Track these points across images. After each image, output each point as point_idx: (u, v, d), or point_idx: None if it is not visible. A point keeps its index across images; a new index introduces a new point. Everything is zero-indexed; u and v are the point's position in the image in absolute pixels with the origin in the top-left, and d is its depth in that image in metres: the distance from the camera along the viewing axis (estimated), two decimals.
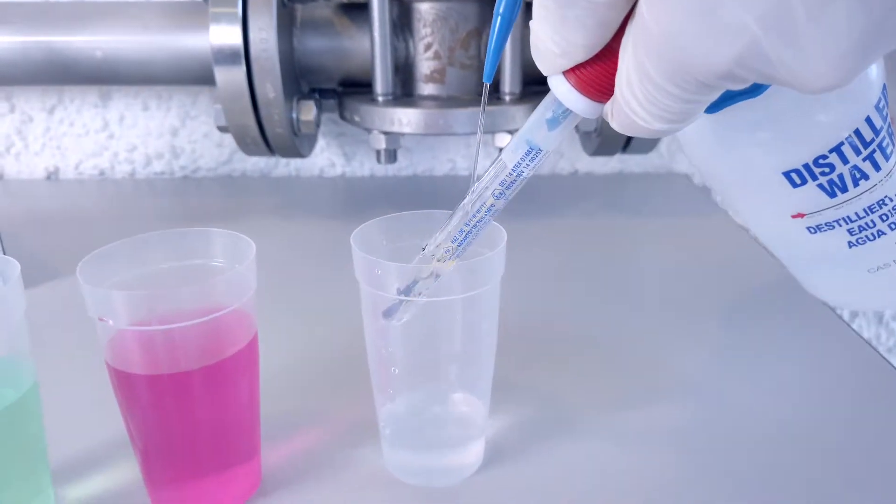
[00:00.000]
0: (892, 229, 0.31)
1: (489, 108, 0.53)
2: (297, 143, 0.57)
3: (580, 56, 0.21)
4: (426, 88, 0.56)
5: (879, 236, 0.31)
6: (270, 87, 0.52)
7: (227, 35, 0.52)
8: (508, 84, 0.55)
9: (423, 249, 0.27)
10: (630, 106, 0.20)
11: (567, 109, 0.23)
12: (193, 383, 0.26)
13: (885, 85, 0.29)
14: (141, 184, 0.70)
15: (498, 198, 0.25)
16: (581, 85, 0.22)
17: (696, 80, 0.18)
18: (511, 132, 0.55)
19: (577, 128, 0.57)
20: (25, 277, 0.46)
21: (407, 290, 0.27)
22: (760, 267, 0.50)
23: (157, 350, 0.26)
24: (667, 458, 0.32)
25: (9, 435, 0.26)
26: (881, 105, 0.29)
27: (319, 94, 0.62)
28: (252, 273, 0.28)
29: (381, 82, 0.54)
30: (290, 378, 0.38)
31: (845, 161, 0.29)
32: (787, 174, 0.30)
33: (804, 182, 0.30)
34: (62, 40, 0.56)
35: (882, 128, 0.29)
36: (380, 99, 0.55)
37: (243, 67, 0.52)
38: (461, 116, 0.53)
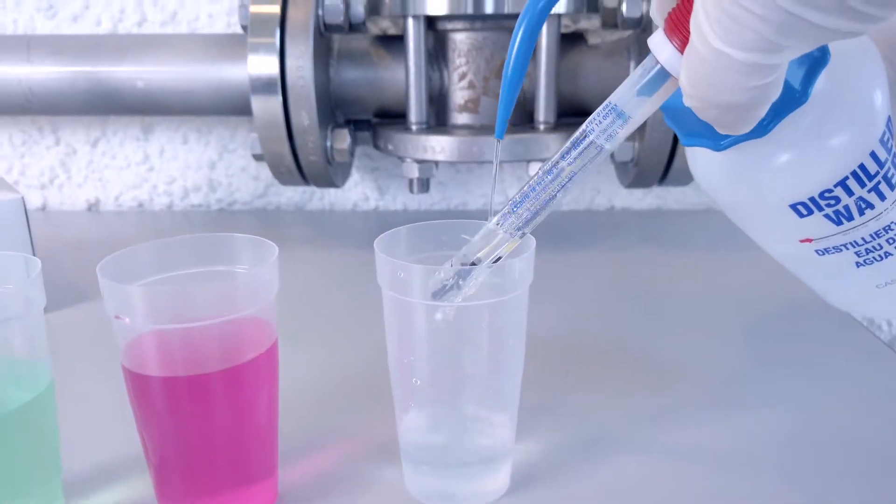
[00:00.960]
0: None
1: (523, 136, 0.53)
2: (330, 172, 0.57)
3: None
4: (460, 118, 0.56)
5: (886, 257, 0.31)
6: (305, 116, 0.53)
7: (264, 65, 0.53)
8: (543, 113, 0.54)
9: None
10: (700, 26, 0.19)
11: (660, 70, 0.22)
12: (211, 386, 0.25)
13: (889, 117, 0.29)
14: (178, 216, 0.71)
15: (565, 159, 0.25)
16: (674, 28, 0.21)
17: None
18: (545, 161, 0.54)
19: (612, 157, 0.56)
20: (57, 300, 0.46)
21: (464, 273, 0.26)
22: (797, 293, 0.48)
23: (174, 350, 0.25)
24: (703, 479, 0.30)
25: (22, 436, 0.25)
26: (885, 138, 0.28)
27: (354, 125, 0.62)
28: (274, 276, 0.27)
29: (416, 111, 0.54)
30: (311, 395, 0.37)
31: (850, 193, 0.29)
32: (793, 206, 0.29)
33: (810, 213, 0.29)
34: (106, 71, 0.58)
35: (887, 160, 0.29)
36: (413, 127, 0.55)
37: (279, 96, 0.53)
38: (494, 144, 0.52)
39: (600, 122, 0.24)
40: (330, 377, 0.39)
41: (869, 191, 0.28)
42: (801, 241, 0.31)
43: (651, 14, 0.24)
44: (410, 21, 0.52)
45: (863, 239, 0.30)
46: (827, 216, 0.29)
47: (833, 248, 0.31)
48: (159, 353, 0.25)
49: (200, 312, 0.25)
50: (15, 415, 0.25)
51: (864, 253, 0.31)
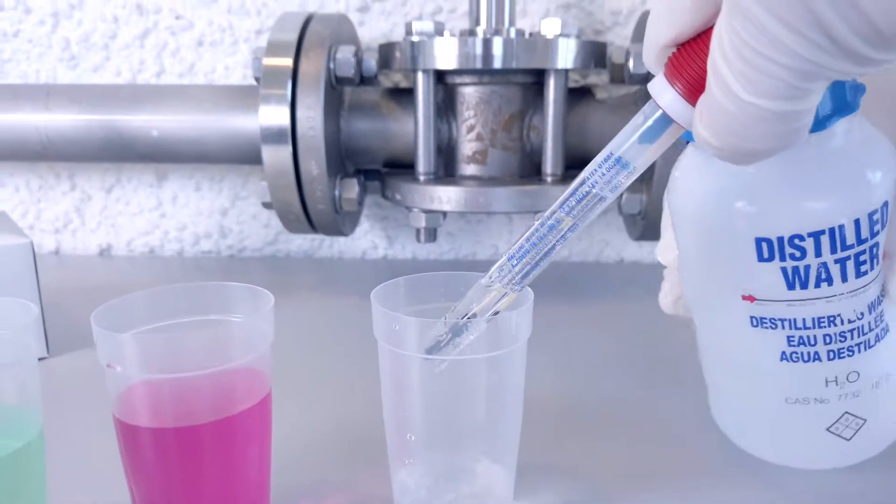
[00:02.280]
0: (829, 358, 0.29)
1: (530, 189, 0.53)
2: (338, 221, 0.58)
3: (686, 18, 0.20)
4: (468, 169, 0.57)
5: (814, 360, 0.29)
6: (314, 165, 0.53)
7: (275, 115, 0.53)
8: (550, 165, 0.54)
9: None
10: (722, 77, 0.18)
11: (662, 116, 0.22)
12: (201, 439, 0.25)
13: (887, 202, 0.28)
14: (188, 262, 0.72)
15: (567, 213, 0.24)
16: (675, 73, 0.21)
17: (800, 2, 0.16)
18: None
19: (619, 208, 0.56)
20: (61, 345, 0.46)
21: (457, 329, 0.25)
22: None
23: (164, 401, 0.25)
24: None
25: (8, 484, 0.25)
26: (875, 218, 0.27)
27: (365, 175, 0.62)
28: (269, 326, 0.27)
29: (424, 162, 0.55)
30: (306, 447, 0.36)
31: (818, 253, 0.27)
32: (759, 240, 0.28)
33: (771, 258, 0.28)
34: (122, 119, 0.59)
35: (867, 240, 0.27)
36: (421, 178, 0.55)
37: (289, 146, 0.53)
38: (501, 195, 0.52)
39: (603, 174, 0.23)
40: (327, 429, 0.38)
41: (836, 261, 0.27)
42: (744, 298, 0.29)
43: (645, 60, 0.23)
44: (420, 75, 0.53)
45: (803, 322, 0.29)
46: (784, 270, 0.28)
47: (770, 319, 0.29)
48: (149, 403, 0.25)
49: (192, 362, 0.24)
50: (2, 462, 0.25)
51: (796, 342, 0.29)
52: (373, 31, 0.67)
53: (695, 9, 0.20)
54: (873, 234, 0.27)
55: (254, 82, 0.65)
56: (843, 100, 0.27)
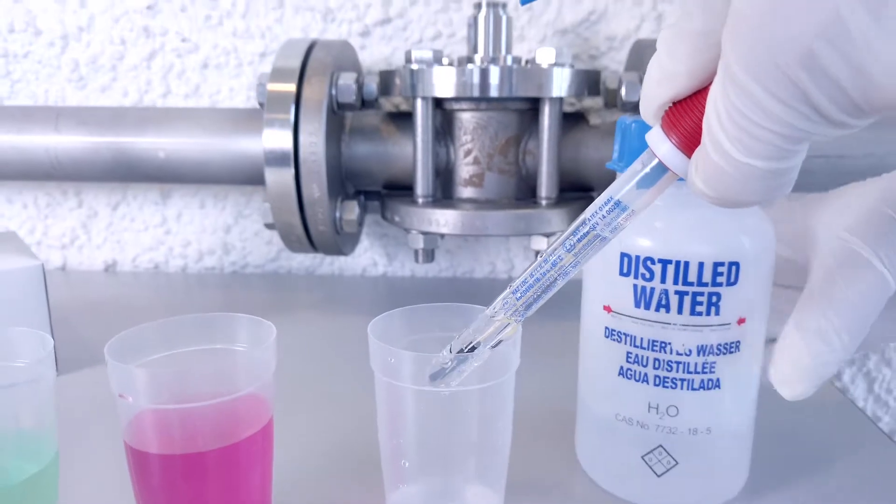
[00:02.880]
0: (655, 383, 0.32)
1: (526, 212, 0.55)
2: (338, 242, 0.59)
3: (682, 81, 0.22)
4: (465, 192, 0.58)
5: (643, 380, 0.32)
6: (316, 188, 0.55)
7: (278, 139, 0.55)
8: (545, 189, 0.56)
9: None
10: (717, 139, 0.20)
11: (658, 164, 0.23)
12: (207, 464, 0.27)
13: (738, 264, 0.31)
14: (191, 278, 0.73)
15: (568, 250, 0.25)
16: (671, 126, 0.22)
17: (781, 71, 0.18)
18: (547, 235, 0.56)
19: None
20: (70, 362, 0.48)
21: (462, 358, 0.27)
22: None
23: (172, 429, 0.26)
24: None
25: None
26: (720, 270, 0.31)
27: (364, 195, 0.64)
28: (271, 356, 0.28)
29: (422, 185, 0.56)
30: (304, 467, 0.37)
31: (663, 279, 0.31)
32: (623, 255, 0.32)
33: (628, 273, 0.32)
34: (129, 141, 0.61)
35: (707, 285, 0.31)
36: (420, 200, 0.57)
37: (292, 169, 0.55)
38: (496, 218, 0.54)
39: (604, 216, 0.25)
40: (324, 448, 0.40)
41: (676, 292, 0.31)
42: (604, 308, 0.33)
43: (642, 114, 0.24)
44: (419, 102, 0.55)
45: (641, 340, 0.32)
46: (634, 287, 0.31)
47: (618, 332, 0.33)
48: (158, 430, 0.26)
49: (199, 392, 0.26)
50: (19, 487, 0.26)
51: (633, 360, 0.32)
52: (374, 54, 0.68)
53: (691, 75, 0.21)
54: (714, 283, 0.31)
55: (257, 105, 0.66)
56: None
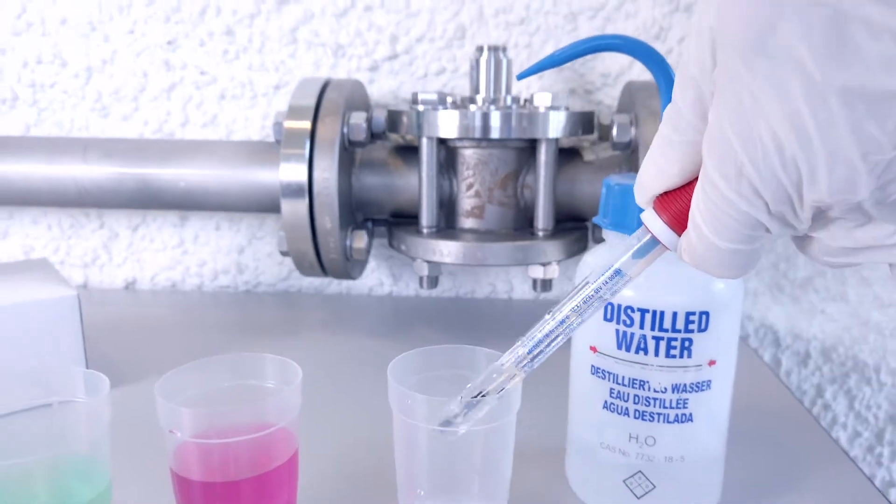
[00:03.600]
0: (635, 416, 0.36)
1: (523, 244, 0.59)
2: (348, 268, 0.63)
3: (674, 179, 0.26)
4: (467, 222, 0.62)
5: (624, 414, 0.37)
6: (328, 220, 0.59)
7: (294, 172, 0.59)
8: (542, 221, 0.60)
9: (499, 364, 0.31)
10: (698, 226, 0.24)
11: (651, 239, 0.28)
12: (241, 490, 0.31)
13: (708, 313, 0.35)
14: (207, 296, 0.77)
15: (574, 311, 0.29)
16: (662, 209, 0.27)
17: (745, 179, 0.22)
18: (544, 264, 0.60)
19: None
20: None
21: (471, 405, 0.30)
22: (783, 415, 0.52)
23: (213, 460, 0.30)
24: None
25: None
26: (692, 319, 0.35)
27: (372, 222, 0.68)
28: (298, 395, 0.32)
29: (427, 216, 0.61)
30: (323, 486, 0.41)
31: (642, 325, 0.35)
32: (608, 303, 0.35)
33: (611, 319, 0.36)
34: (152, 173, 0.65)
35: (680, 331, 0.35)
36: (424, 231, 0.61)
37: (306, 201, 0.59)
38: (496, 249, 0.58)
39: (607, 282, 0.29)
40: (340, 465, 0.43)
41: (654, 337, 0.35)
42: (590, 348, 0.37)
43: (637, 199, 0.28)
44: (424, 140, 0.59)
45: (623, 378, 0.36)
46: (617, 331, 0.36)
47: (602, 370, 0.37)
48: (201, 461, 0.30)
49: (237, 428, 0.30)
50: None
51: (616, 396, 0.37)
52: (382, 88, 0.72)
53: (681, 174, 0.26)
54: (687, 330, 0.35)
55: (270, 136, 0.70)
56: None
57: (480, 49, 0.61)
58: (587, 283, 0.29)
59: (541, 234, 0.60)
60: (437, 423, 0.30)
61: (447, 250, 0.59)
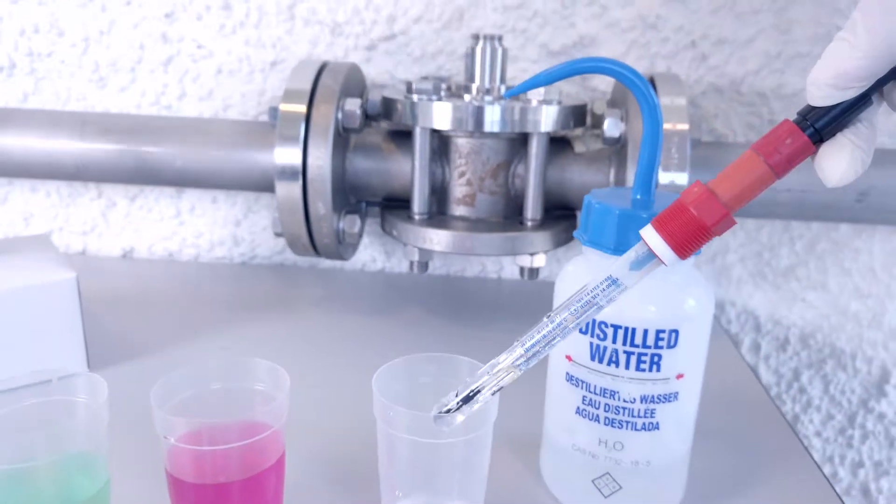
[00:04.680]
0: (605, 423, 0.38)
1: (512, 234, 0.60)
2: (340, 250, 0.65)
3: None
4: (458, 210, 0.63)
5: (595, 420, 0.39)
6: (321, 206, 0.60)
7: (289, 156, 0.60)
8: (531, 211, 0.61)
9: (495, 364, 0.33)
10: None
11: (648, 252, 0.30)
12: (231, 492, 0.33)
13: (678, 331, 0.36)
14: (203, 267, 0.79)
15: (572, 314, 0.31)
16: (662, 228, 0.29)
17: None
18: (532, 254, 0.61)
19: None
20: (100, 357, 0.53)
21: (468, 398, 0.32)
22: (751, 409, 0.55)
23: (205, 463, 0.32)
24: None
25: None
26: (662, 336, 0.36)
27: (366, 203, 0.69)
28: (286, 401, 0.34)
29: (418, 203, 0.62)
30: (308, 475, 0.43)
31: (614, 340, 0.37)
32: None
33: (586, 332, 0.38)
34: (149, 151, 0.66)
35: (650, 347, 0.37)
36: (416, 217, 0.62)
37: (300, 185, 0.60)
38: (486, 240, 0.59)
39: (603, 290, 0.31)
40: (324, 453, 0.46)
41: (625, 352, 0.37)
42: (566, 357, 0.39)
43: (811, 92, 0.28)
44: (418, 130, 0.59)
45: (594, 387, 0.38)
46: (591, 344, 0.37)
47: (576, 379, 0.39)
48: (194, 465, 0.32)
49: (228, 434, 0.32)
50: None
51: (587, 403, 0.38)
52: (378, 67, 0.73)
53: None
54: (657, 346, 0.37)
55: (266, 114, 0.71)
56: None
57: (476, 37, 0.62)
58: (585, 290, 0.32)
59: (529, 224, 0.62)
60: (433, 413, 0.32)
61: (437, 238, 0.60)
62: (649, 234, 0.30)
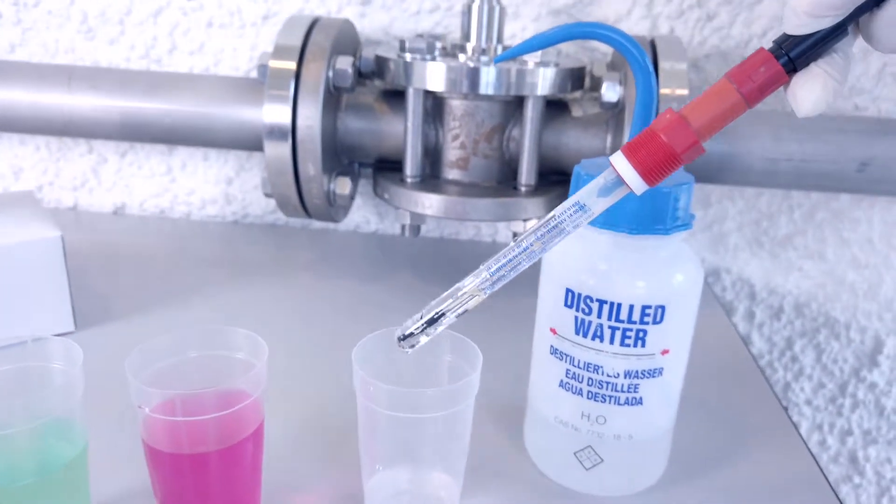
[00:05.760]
0: (587, 397, 0.38)
1: (505, 200, 0.59)
2: (331, 212, 0.64)
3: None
4: (451, 173, 0.62)
5: (578, 393, 0.38)
6: (311, 167, 0.59)
7: (278, 114, 0.59)
8: (525, 176, 0.60)
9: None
10: None
11: (616, 179, 0.29)
12: (209, 462, 0.33)
13: (664, 307, 0.36)
14: (195, 224, 0.78)
15: (538, 239, 0.31)
16: (632, 155, 0.29)
17: None
18: (525, 220, 0.60)
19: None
20: (87, 317, 0.53)
21: (432, 321, 0.32)
22: (739, 381, 0.54)
23: (180, 434, 0.32)
24: None
25: (64, 496, 0.33)
26: (648, 312, 0.36)
27: (359, 164, 0.68)
28: (265, 369, 0.34)
29: (411, 166, 0.61)
30: (289, 446, 0.43)
31: (599, 315, 0.37)
32: (568, 290, 0.37)
33: (571, 306, 0.37)
34: (138, 107, 0.64)
35: (636, 323, 0.36)
36: (408, 181, 0.61)
37: (289, 144, 0.59)
38: (478, 205, 0.58)
39: (570, 215, 0.30)
40: (308, 422, 0.46)
41: (609, 327, 0.36)
42: (550, 329, 0.39)
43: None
44: (411, 91, 0.58)
45: (579, 361, 0.38)
46: (576, 318, 0.37)
47: (560, 352, 0.39)
48: (168, 434, 0.32)
49: (205, 405, 0.32)
50: (63, 470, 0.32)
51: (570, 376, 0.38)
52: (374, 23, 0.71)
53: None
54: (642, 322, 0.36)
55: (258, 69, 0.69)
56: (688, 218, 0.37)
57: None
58: (553, 216, 0.31)
59: (523, 189, 0.61)
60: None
61: (429, 203, 0.59)
62: (618, 161, 0.29)
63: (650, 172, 0.29)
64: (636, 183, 0.29)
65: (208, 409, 0.32)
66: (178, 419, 0.32)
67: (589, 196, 0.30)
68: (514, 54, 0.36)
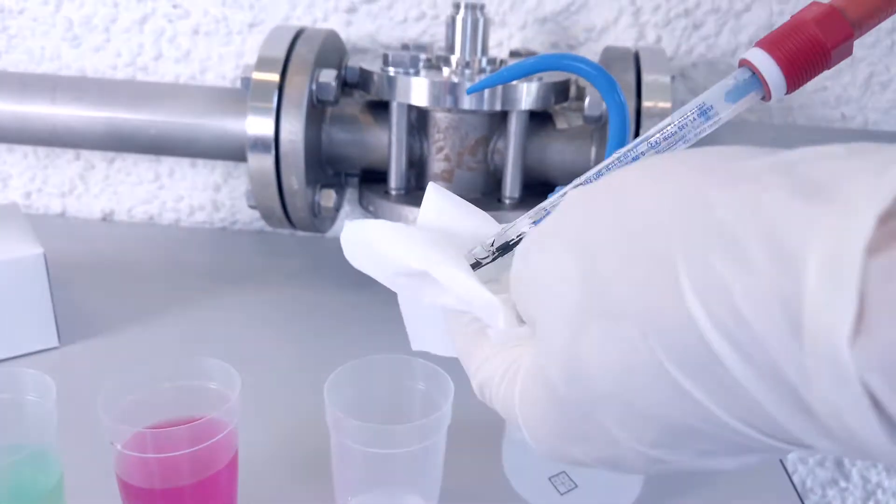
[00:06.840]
0: None
1: (490, 213, 0.59)
2: (317, 224, 0.64)
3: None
4: None
5: None
6: (295, 180, 0.59)
7: (261, 127, 0.59)
8: (509, 189, 0.60)
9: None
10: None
11: (750, 79, 0.25)
12: (183, 495, 0.33)
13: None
14: (183, 231, 0.78)
15: (652, 147, 0.26)
16: (776, 48, 0.24)
17: None
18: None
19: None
20: (71, 331, 0.53)
21: (504, 247, 0.29)
22: None
23: (153, 470, 0.32)
24: None
25: None
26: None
27: (346, 174, 0.68)
28: (238, 400, 0.34)
29: (395, 178, 0.61)
30: (264, 466, 0.43)
31: None
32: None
33: None
34: (123, 118, 0.64)
35: None
36: (393, 193, 0.61)
37: (272, 157, 0.59)
38: None
39: (693, 119, 0.26)
40: (284, 441, 0.46)
41: None
42: None
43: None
44: (395, 105, 0.58)
45: None
46: None
47: None
48: (142, 471, 0.32)
49: (178, 444, 0.32)
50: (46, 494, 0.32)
51: None
52: (360, 31, 0.70)
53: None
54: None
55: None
56: None
57: (457, 6, 0.59)
58: (671, 121, 0.26)
59: (508, 202, 0.61)
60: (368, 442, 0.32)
61: (413, 216, 0.59)
62: (756, 56, 0.25)
63: (795, 69, 0.24)
64: (777, 81, 0.25)
65: (181, 443, 0.32)
66: (149, 456, 0.32)
67: (716, 98, 0.25)
68: (487, 86, 0.36)
